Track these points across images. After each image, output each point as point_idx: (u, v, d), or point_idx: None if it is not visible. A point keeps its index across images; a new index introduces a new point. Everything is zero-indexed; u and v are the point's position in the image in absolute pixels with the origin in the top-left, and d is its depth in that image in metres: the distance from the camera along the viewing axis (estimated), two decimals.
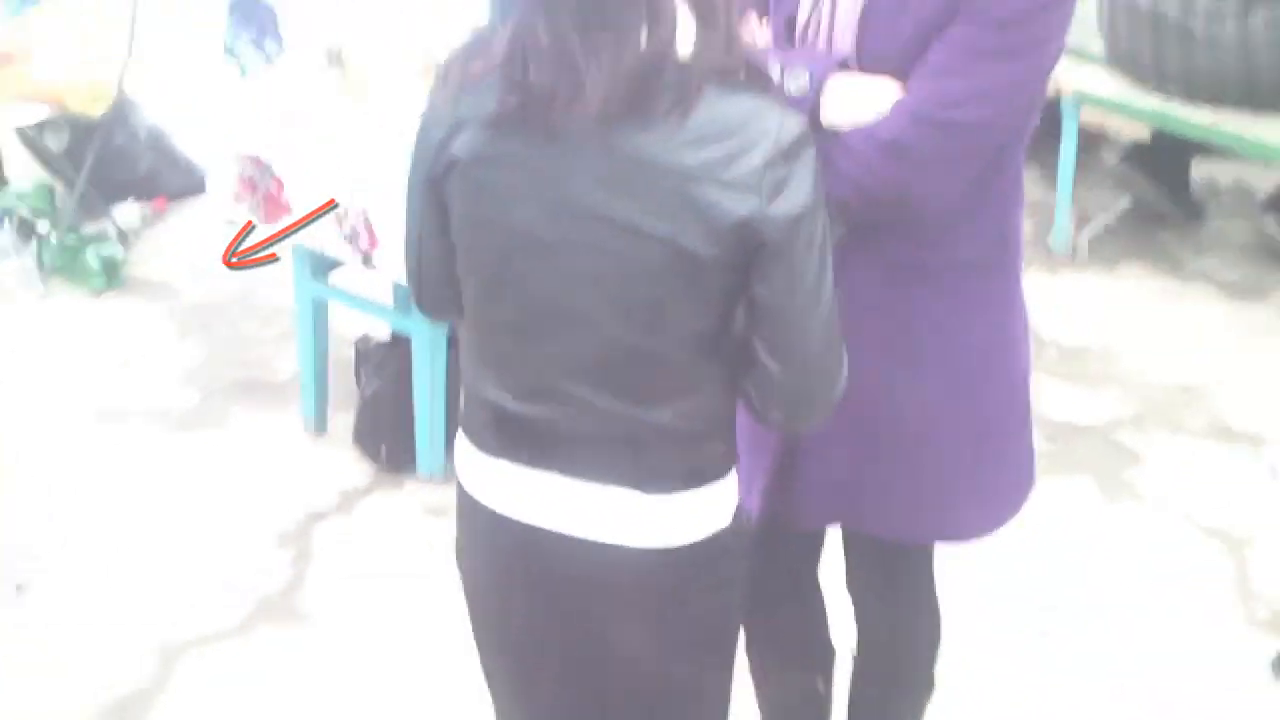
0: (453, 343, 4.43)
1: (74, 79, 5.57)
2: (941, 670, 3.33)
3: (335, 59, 4.02)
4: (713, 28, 2.38)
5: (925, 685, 3.35)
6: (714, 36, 2.38)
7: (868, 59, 2.69)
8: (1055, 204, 5.86)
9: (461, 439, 2.73)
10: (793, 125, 2.39)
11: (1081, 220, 5.90)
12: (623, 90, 2.33)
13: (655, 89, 2.34)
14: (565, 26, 2.33)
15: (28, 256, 5.76)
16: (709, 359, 2.53)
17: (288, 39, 4.08)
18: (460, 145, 2.53)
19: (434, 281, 2.75)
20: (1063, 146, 5.75)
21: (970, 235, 2.83)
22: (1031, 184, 6.15)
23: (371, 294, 4.79)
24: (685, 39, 2.35)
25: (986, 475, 3.01)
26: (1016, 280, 2.96)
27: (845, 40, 2.72)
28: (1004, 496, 3.08)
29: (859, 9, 2.70)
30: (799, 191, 2.39)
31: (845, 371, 2.56)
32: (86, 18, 5.66)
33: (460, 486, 2.73)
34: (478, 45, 2.50)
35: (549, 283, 2.52)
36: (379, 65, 3.96)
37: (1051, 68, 2.74)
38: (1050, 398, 5.06)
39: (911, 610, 3.28)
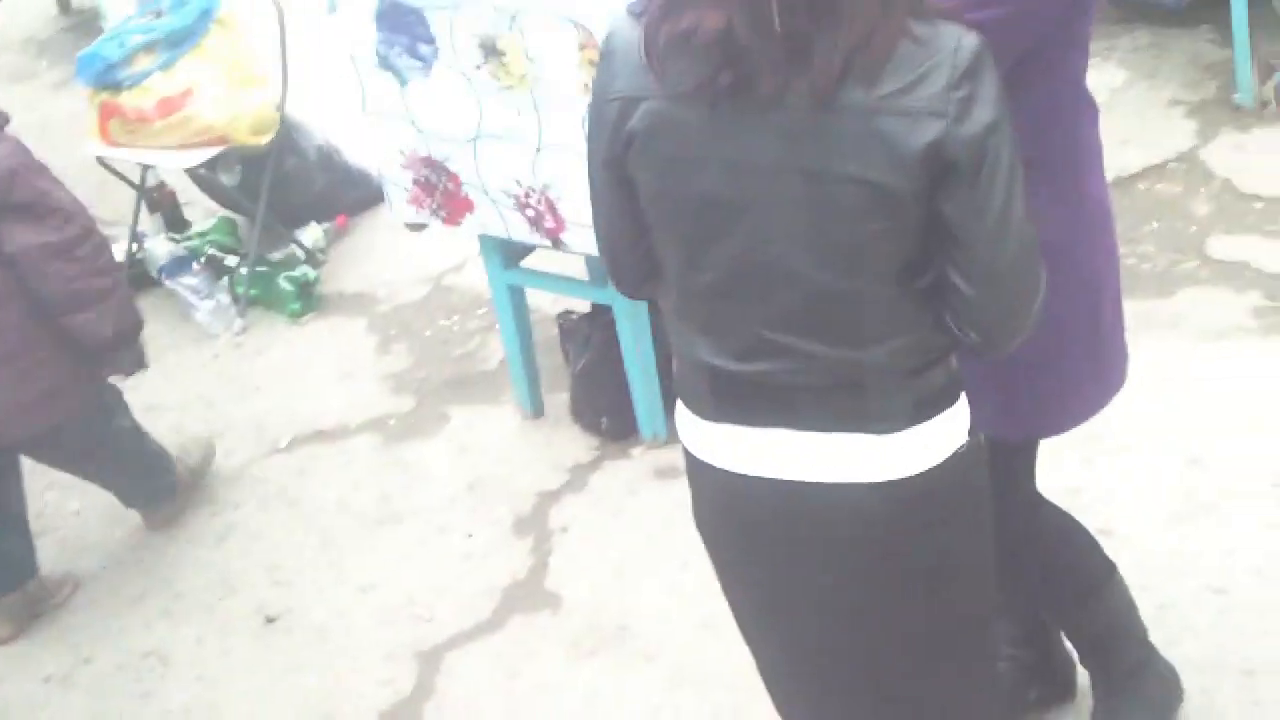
0: (652, 302, 4.42)
1: (236, 114, 5.64)
2: None
3: (490, 50, 4.02)
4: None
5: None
6: (900, 7, 2.36)
7: None
8: (1234, 59, 5.70)
9: (680, 407, 2.73)
10: (969, 43, 2.36)
11: (1264, 72, 5.74)
12: (842, 62, 2.32)
13: (863, 59, 2.33)
14: (798, 6, 2.31)
15: (222, 293, 5.85)
16: (913, 292, 2.51)
17: (440, 39, 4.08)
18: (638, 119, 2.52)
19: (629, 259, 2.75)
20: (1233, 2, 5.59)
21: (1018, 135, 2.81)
22: (1206, 44, 6.06)
23: (565, 270, 4.81)
24: (871, 15, 2.34)
25: (1047, 376, 2.99)
26: (1085, 181, 2.94)
27: None
28: (1069, 398, 3.05)
29: None
30: (984, 108, 2.36)
31: (1043, 287, 2.53)
32: (238, 52, 5.72)
33: (686, 451, 2.74)
34: (651, 19, 2.48)
35: (745, 241, 2.51)
36: (535, 47, 3.95)
37: None
38: (1263, 254, 4.94)
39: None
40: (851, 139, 2.36)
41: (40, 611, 4.62)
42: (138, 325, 4.48)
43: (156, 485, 4.86)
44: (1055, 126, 2.83)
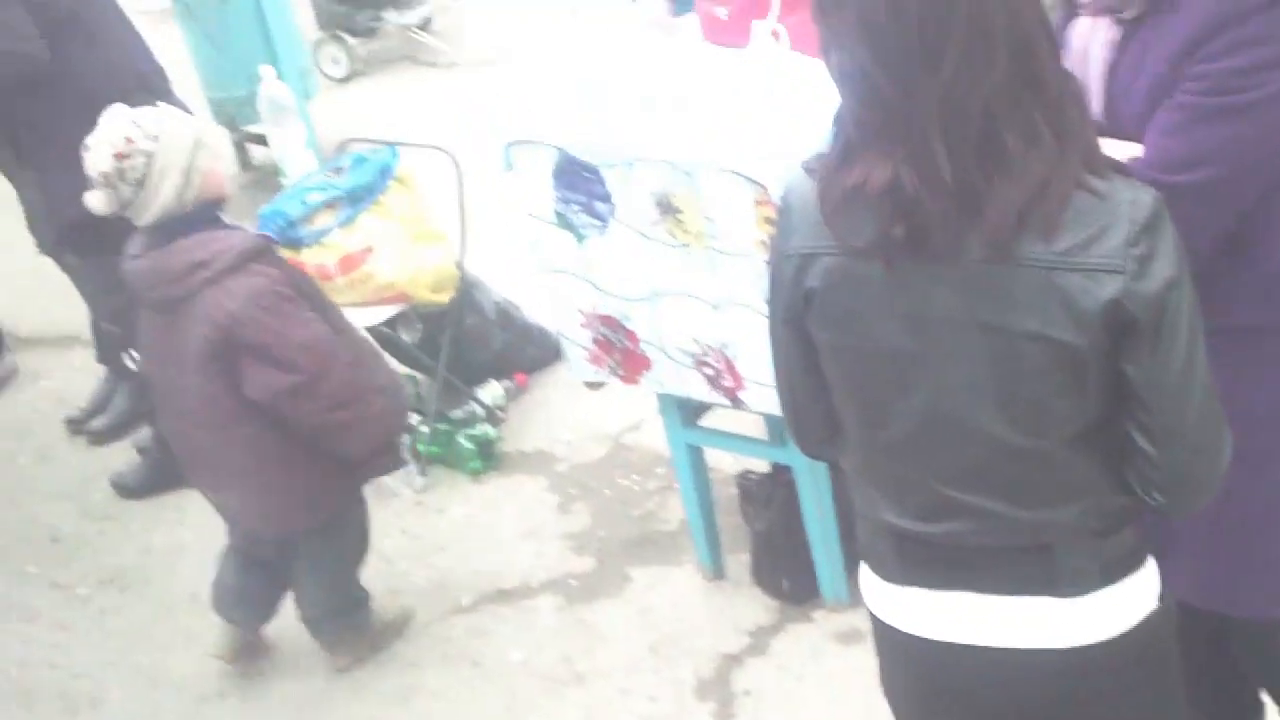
0: (833, 463, 4.37)
1: (416, 271, 5.66)
2: None
3: (667, 207, 4.00)
4: (1074, 149, 2.34)
5: None
6: (1075, 157, 2.34)
7: (1112, 120, 2.71)
8: None
9: (864, 568, 2.69)
10: (1146, 199, 2.34)
11: None
12: (1015, 215, 2.29)
13: (1038, 211, 2.30)
14: (968, 158, 2.29)
15: (403, 451, 5.86)
16: (1097, 452, 2.46)
17: (616, 197, 4.07)
18: (815, 276, 2.50)
19: (811, 418, 2.73)
20: None
21: (1236, 298, 2.72)
22: None
23: (744, 428, 4.75)
24: (1045, 167, 2.32)
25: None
26: None
27: (1095, 102, 2.73)
28: None
29: (1104, 71, 2.74)
30: (1164, 264, 2.32)
31: (1229, 448, 2.46)
32: (417, 209, 5.76)
33: (871, 614, 2.70)
34: (824, 175, 2.46)
35: (926, 397, 2.48)
36: (711, 204, 3.92)
37: None
38: None
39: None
40: (1030, 294, 2.34)
41: None
42: (392, 436, 4.68)
43: (355, 616, 4.90)
44: (1262, 306, 2.74)
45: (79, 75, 5.32)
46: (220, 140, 4.49)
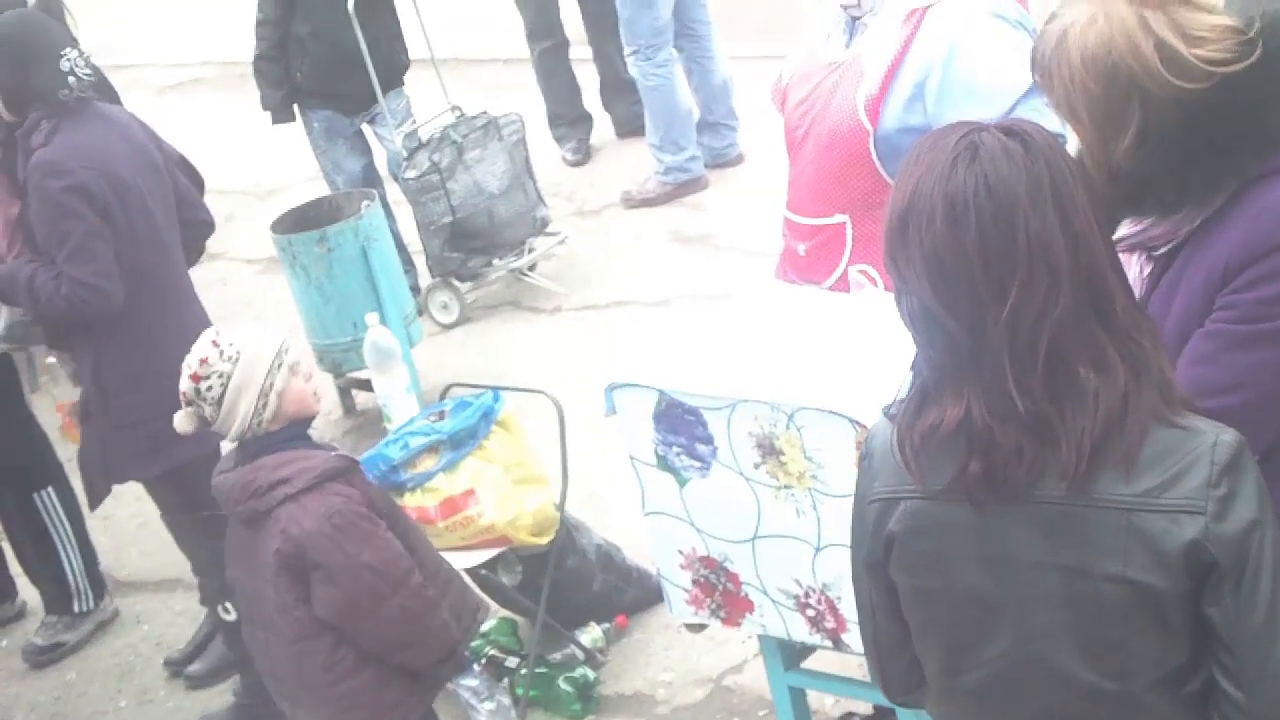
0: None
1: (517, 514, 5.68)
2: None
3: (769, 449, 4.01)
4: (1147, 377, 2.36)
5: None
6: (1149, 386, 2.35)
7: None
8: None
9: None
10: (1227, 439, 2.34)
11: None
12: (1090, 448, 2.30)
13: (1115, 443, 2.31)
14: (1037, 390, 2.31)
15: (503, 694, 5.82)
16: (1184, 697, 2.43)
17: (718, 439, 4.09)
18: (897, 520, 2.51)
19: (897, 665, 2.71)
20: None
21: None
22: None
23: (847, 670, 4.70)
24: (1118, 396, 2.34)
25: None
26: None
27: None
28: None
29: (1142, 291, 2.85)
30: (1245, 505, 2.32)
31: None
32: (519, 452, 5.80)
33: None
34: (902, 419, 2.48)
35: (1009, 640, 2.46)
36: (813, 446, 3.93)
37: None
38: None
39: None
40: (1110, 535, 2.34)
41: None
42: (456, 648, 4.68)
43: None
44: None
45: (147, 325, 5.47)
46: (306, 359, 4.61)
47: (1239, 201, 2.79)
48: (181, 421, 4.52)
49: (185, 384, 4.47)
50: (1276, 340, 2.73)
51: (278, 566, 4.41)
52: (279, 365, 4.47)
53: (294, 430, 4.56)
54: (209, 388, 4.44)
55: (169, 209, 5.71)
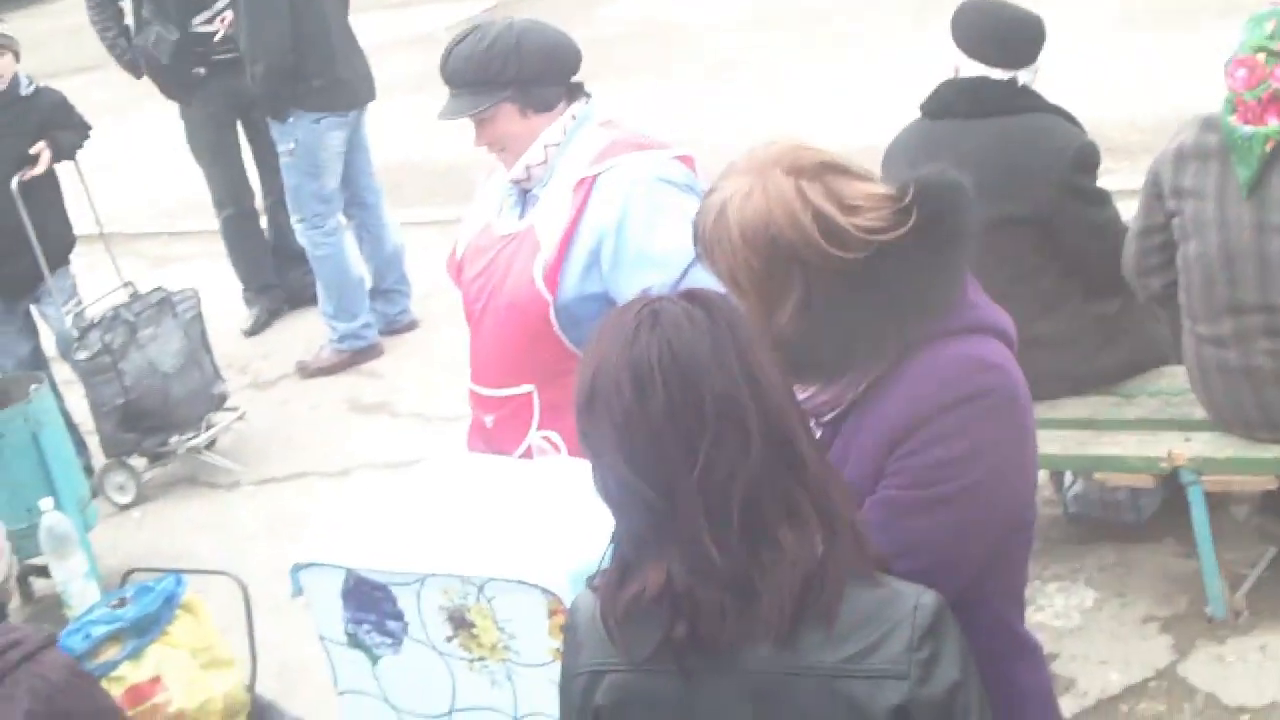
0: None
1: (207, 698, 5.54)
2: None
3: (460, 621, 3.99)
4: (841, 531, 2.39)
5: None
6: (844, 540, 2.38)
7: None
8: (1202, 571, 5.70)
9: None
10: (928, 602, 2.38)
11: (1234, 581, 5.75)
12: (792, 602, 2.32)
13: (815, 598, 2.33)
14: (734, 545, 2.32)
15: None
16: None
17: (409, 614, 4.06)
18: (603, 694, 2.50)
19: None
20: (1194, 517, 5.61)
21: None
22: (1171, 557, 6.07)
23: None
24: (814, 549, 2.37)
25: None
26: None
27: None
28: None
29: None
30: (948, 667, 2.37)
31: None
32: (205, 636, 5.67)
33: None
34: (605, 591, 2.49)
35: None
36: (504, 616, 3.92)
37: (1003, 507, 2.83)
38: None
39: None
40: (818, 704, 2.36)
41: None
42: None
43: None
44: (990, 674, 2.78)
45: None
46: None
47: (904, 366, 2.82)
48: None
49: None
50: (947, 504, 2.75)
51: None
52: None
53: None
54: None
55: None
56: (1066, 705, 4.97)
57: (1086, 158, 5.78)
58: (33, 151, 8.23)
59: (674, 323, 2.44)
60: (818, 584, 2.36)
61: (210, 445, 8.69)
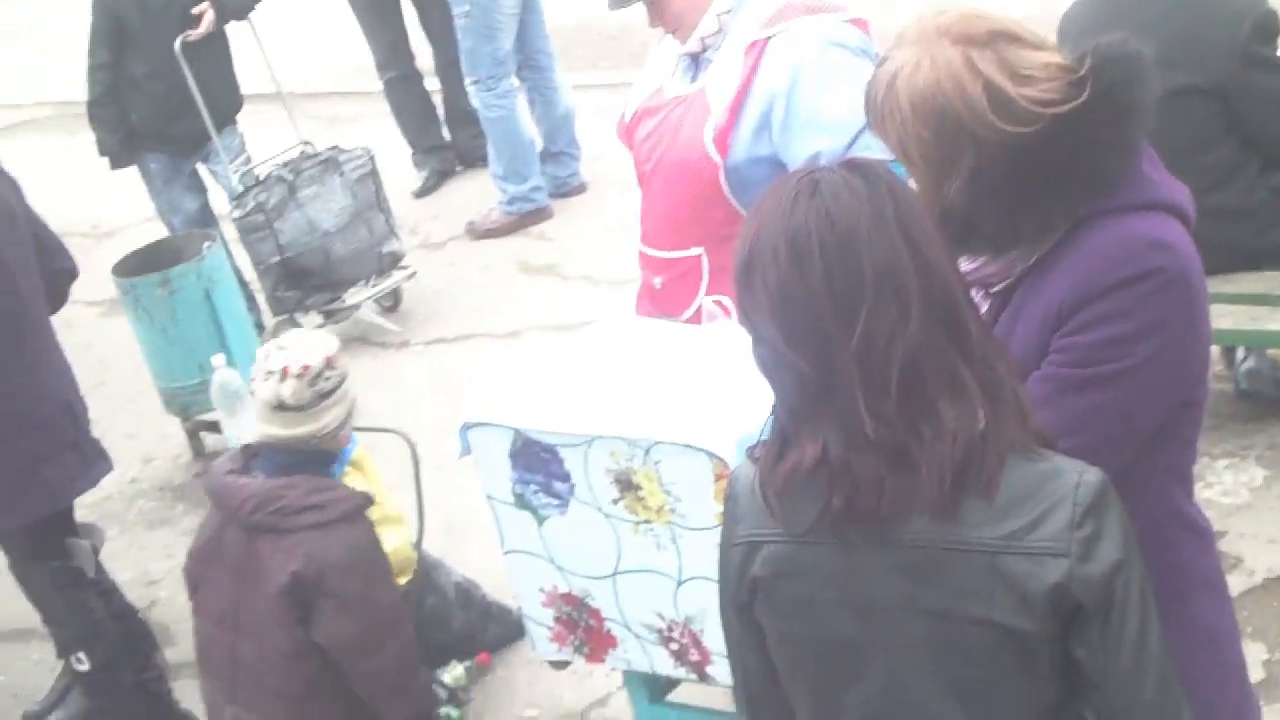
0: None
1: None
2: None
3: (626, 484, 4.02)
4: (1004, 404, 2.37)
5: None
6: (1006, 413, 2.36)
7: None
8: None
9: None
10: (1090, 479, 2.35)
11: None
12: (951, 473, 2.30)
13: (975, 471, 2.31)
14: (891, 415, 2.31)
15: None
16: None
17: (575, 476, 4.09)
18: (761, 565, 2.50)
19: (768, 704, 2.69)
20: None
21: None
22: None
23: (713, 701, 4.70)
24: (976, 422, 2.35)
25: None
26: (1193, 608, 2.92)
27: None
28: None
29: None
30: (1110, 546, 2.33)
31: None
32: (373, 492, 5.76)
33: None
34: (764, 462, 2.48)
35: (878, 685, 2.46)
36: (670, 479, 3.94)
37: (1169, 387, 2.80)
38: None
39: None
40: (975, 579, 2.33)
41: None
42: (428, 714, 4.92)
43: None
44: (1155, 555, 2.75)
45: (8, 396, 5.36)
46: None
47: (1072, 241, 2.80)
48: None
49: (291, 373, 4.59)
50: (1111, 384, 2.73)
51: (288, 585, 4.53)
52: None
53: (330, 458, 4.77)
54: (327, 379, 4.60)
55: (25, 257, 5.55)
56: (1233, 583, 4.91)
57: (1266, 25, 5.64)
58: (195, 12, 8.30)
59: (833, 192, 2.41)
60: (978, 457, 2.34)
61: (393, 305, 8.78)
